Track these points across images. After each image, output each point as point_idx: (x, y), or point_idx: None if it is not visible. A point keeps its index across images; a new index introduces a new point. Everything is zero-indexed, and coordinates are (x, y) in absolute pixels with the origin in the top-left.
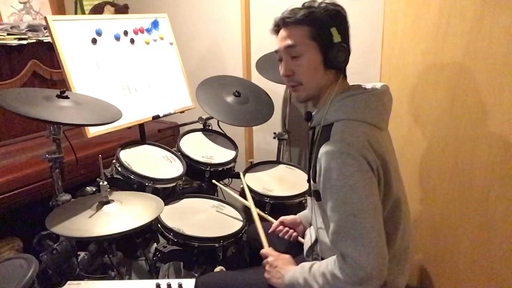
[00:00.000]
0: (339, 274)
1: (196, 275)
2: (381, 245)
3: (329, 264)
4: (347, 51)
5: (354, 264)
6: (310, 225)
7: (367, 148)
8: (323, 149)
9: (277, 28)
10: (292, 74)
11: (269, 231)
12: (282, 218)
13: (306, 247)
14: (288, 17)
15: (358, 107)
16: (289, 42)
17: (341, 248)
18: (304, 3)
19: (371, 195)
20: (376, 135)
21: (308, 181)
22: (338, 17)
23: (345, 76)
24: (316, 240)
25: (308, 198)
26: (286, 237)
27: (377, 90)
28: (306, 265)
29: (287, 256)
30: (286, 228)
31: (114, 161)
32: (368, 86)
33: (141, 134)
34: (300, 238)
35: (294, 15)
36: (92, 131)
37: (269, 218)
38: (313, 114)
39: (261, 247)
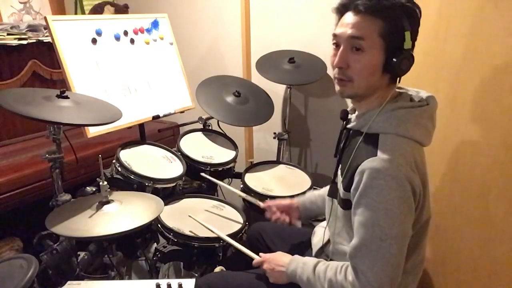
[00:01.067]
0: None
1: (196, 275)
2: (398, 270)
3: (338, 273)
4: (412, 61)
5: (366, 283)
6: (319, 221)
7: (414, 171)
8: (369, 164)
9: (343, 9)
10: (346, 67)
11: (267, 216)
12: (278, 201)
13: (316, 248)
14: (363, 3)
15: (408, 122)
16: (355, 32)
17: (357, 264)
18: None
19: (405, 222)
20: (421, 153)
21: (333, 182)
22: (415, 20)
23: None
24: (328, 242)
25: (328, 199)
26: (278, 222)
27: (427, 106)
28: (309, 263)
29: (278, 253)
30: (277, 214)
31: (114, 161)
32: (411, 91)
33: (141, 134)
34: (294, 222)
35: (370, 2)
36: (92, 131)
37: (257, 202)
38: (349, 112)
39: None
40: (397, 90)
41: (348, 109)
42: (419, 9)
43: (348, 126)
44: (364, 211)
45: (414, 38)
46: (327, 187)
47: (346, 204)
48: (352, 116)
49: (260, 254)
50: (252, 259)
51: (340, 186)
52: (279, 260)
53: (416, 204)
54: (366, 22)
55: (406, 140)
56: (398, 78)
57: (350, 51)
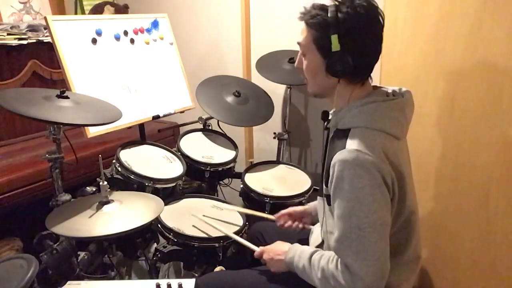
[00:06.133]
0: (340, 278)
1: (196, 275)
2: (383, 259)
3: (330, 262)
4: (347, 61)
5: (354, 274)
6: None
7: (384, 160)
8: (338, 156)
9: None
10: (301, 67)
11: (278, 224)
12: (292, 209)
13: (312, 246)
14: (301, 15)
15: (378, 116)
16: (300, 39)
17: (341, 257)
18: (320, 4)
19: (380, 210)
20: (393, 145)
21: (321, 182)
22: (347, 23)
23: (363, 81)
24: (323, 241)
25: (319, 198)
26: (291, 229)
27: (399, 99)
28: (306, 251)
29: (276, 243)
30: (289, 223)
31: (114, 161)
32: (390, 90)
33: (141, 134)
34: (307, 227)
35: (303, 14)
36: (92, 131)
37: (268, 216)
38: (330, 113)
39: (263, 246)
40: (381, 89)
41: (331, 111)
42: (348, 11)
43: (327, 125)
44: (340, 203)
45: (350, 39)
46: None
47: (329, 200)
48: (331, 116)
49: (260, 247)
50: (253, 252)
51: (323, 183)
52: (277, 250)
53: (391, 194)
54: (306, 30)
55: (376, 131)
56: (359, 78)
57: (302, 55)
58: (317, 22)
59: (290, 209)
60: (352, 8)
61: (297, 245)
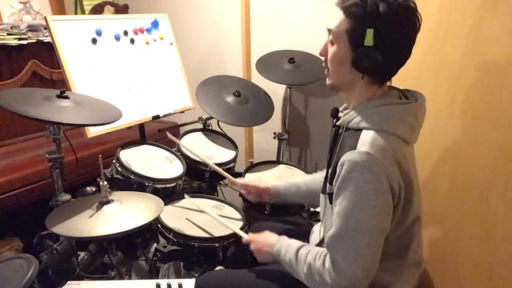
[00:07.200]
0: (326, 275)
1: (196, 275)
2: (371, 263)
3: (317, 258)
4: (376, 58)
5: (340, 272)
6: (318, 221)
7: (393, 165)
8: (347, 156)
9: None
10: (325, 55)
11: (241, 191)
12: (255, 184)
13: (312, 244)
14: (339, 1)
15: (391, 119)
16: (331, 25)
17: (331, 253)
18: None
19: (379, 216)
20: (403, 150)
21: (325, 179)
22: (387, 20)
23: (383, 82)
24: (323, 239)
25: (321, 196)
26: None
27: (413, 103)
28: (293, 245)
29: (264, 234)
30: (252, 195)
31: (114, 161)
32: (403, 90)
33: (141, 134)
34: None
35: (343, 2)
36: (92, 131)
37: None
38: (340, 110)
39: None
40: (395, 90)
41: (341, 108)
42: (390, 7)
43: (337, 123)
44: (341, 202)
45: (385, 35)
46: (305, 178)
47: (331, 198)
48: (341, 114)
49: (249, 234)
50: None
51: (327, 181)
52: (265, 241)
53: (396, 200)
54: (341, 18)
55: (388, 135)
56: (382, 78)
57: (330, 42)
58: (356, 11)
59: (255, 183)
60: (394, 5)
61: (284, 237)
